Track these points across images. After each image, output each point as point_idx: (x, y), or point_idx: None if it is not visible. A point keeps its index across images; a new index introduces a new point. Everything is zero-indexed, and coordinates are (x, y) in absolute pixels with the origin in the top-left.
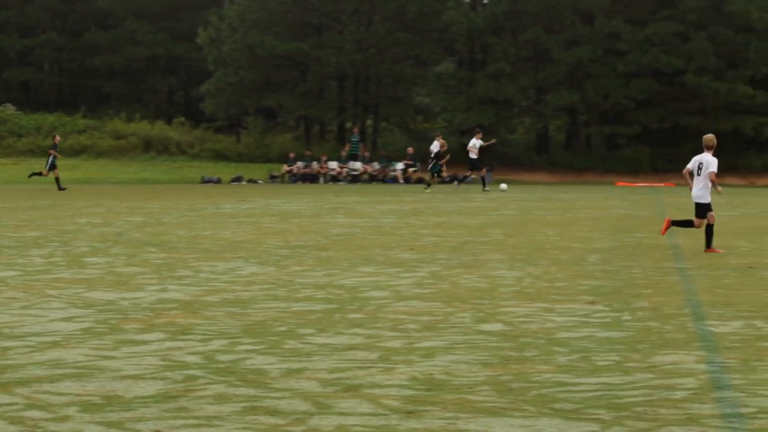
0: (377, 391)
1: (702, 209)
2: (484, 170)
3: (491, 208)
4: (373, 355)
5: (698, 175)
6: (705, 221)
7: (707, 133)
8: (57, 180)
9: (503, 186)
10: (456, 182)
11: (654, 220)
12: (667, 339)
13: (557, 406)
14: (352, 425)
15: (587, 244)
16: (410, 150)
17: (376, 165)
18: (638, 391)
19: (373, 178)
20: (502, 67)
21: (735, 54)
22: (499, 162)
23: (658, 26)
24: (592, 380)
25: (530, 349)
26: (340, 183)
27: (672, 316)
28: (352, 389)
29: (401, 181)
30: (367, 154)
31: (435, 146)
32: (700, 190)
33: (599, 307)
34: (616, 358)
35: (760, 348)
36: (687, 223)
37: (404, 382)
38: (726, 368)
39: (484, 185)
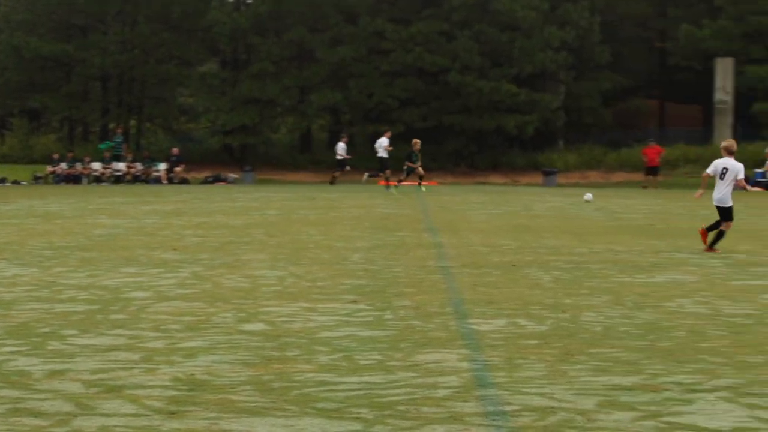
0: (140, 391)
1: (726, 213)
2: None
3: (254, 208)
4: (136, 356)
5: (721, 179)
6: (731, 224)
7: (470, 131)
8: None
9: (588, 196)
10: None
11: (416, 218)
12: (429, 337)
13: (319, 405)
14: (115, 426)
15: (350, 243)
16: (175, 150)
17: (139, 165)
18: (401, 389)
19: (136, 179)
20: (265, 66)
21: (500, 52)
22: (262, 162)
23: (423, 25)
24: (355, 379)
25: (292, 348)
26: (103, 184)
27: (435, 314)
28: (114, 390)
29: (164, 181)
30: (129, 155)
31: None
32: (724, 195)
33: (361, 306)
34: (379, 357)
35: (522, 346)
36: (716, 227)
37: (167, 383)
38: (489, 366)
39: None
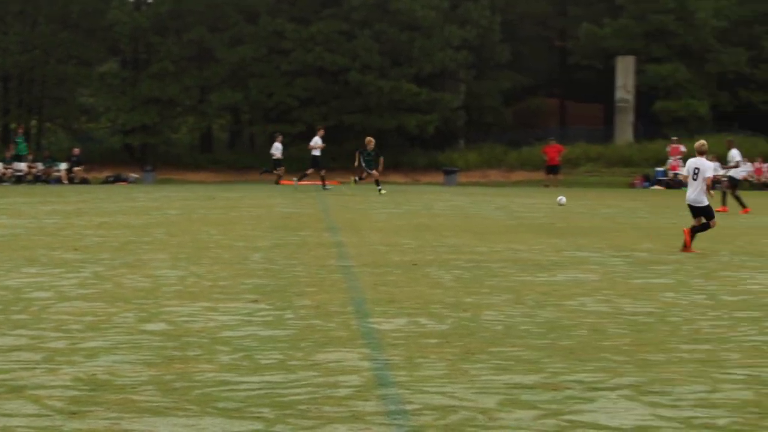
0: (41, 392)
1: (698, 211)
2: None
3: (155, 207)
4: (38, 356)
5: (694, 179)
6: (715, 221)
7: (371, 130)
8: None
9: (561, 199)
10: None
11: (317, 217)
12: (330, 337)
13: (221, 405)
14: (17, 426)
15: (251, 243)
16: (76, 151)
17: (40, 165)
18: (302, 389)
19: (37, 179)
20: (165, 66)
21: (400, 52)
22: (162, 161)
23: (323, 24)
24: (256, 379)
25: (193, 348)
26: (4, 184)
27: (336, 313)
28: (16, 390)
29: (65, 181)
30: (30, 155)
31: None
32: (696, 194)
33: (262, 306)
34: (280, 357)
35: (423, 345)
36: (703, 228)
37: (68, 383)
38: (390, 365)
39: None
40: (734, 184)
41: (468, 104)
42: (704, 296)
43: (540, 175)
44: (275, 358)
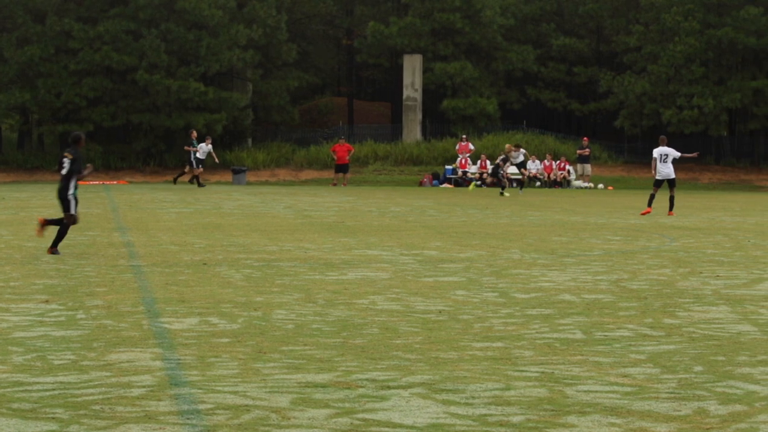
0: None
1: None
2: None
3: None
4: None
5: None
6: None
7: (159, 129)
8: (197, 178)
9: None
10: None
11: (107, 217)
12: (122, 337)
13: (15, 405)
14: None
15: (41, 243)
16: None
17: None
18: (95, 389)
19: None
20: None
21: (187, 51)
22: None
23: (110, 24)
24: (49, 379)
25: None
26: None
27: (127, 313)
28: None
29: None
30: None
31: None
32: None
33: (54, 306)
34: (73, 357)
35: (215, 344)
36: None
37: None
38: (182, 365)
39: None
40: None
41: (255, 103)
42: (496, 294)
43: (329, 174)
44: (68, 359)
